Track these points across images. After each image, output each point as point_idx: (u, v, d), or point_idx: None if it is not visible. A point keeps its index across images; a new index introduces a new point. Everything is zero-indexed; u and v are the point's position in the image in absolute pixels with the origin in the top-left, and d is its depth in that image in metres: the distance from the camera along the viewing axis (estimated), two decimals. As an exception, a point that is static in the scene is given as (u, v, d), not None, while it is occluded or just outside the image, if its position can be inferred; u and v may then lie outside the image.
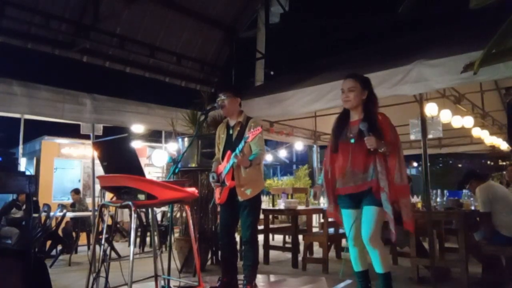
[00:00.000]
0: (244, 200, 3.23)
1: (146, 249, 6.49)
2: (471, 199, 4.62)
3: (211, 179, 3.35)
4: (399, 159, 2.65)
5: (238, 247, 3.61)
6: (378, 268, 2.64)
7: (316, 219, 8.65)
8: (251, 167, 3.16)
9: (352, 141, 2.71)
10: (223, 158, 3.33)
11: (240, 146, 3.02)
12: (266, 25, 9.12)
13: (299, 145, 8.69)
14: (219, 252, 4.51)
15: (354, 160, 2.68)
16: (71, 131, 7.28)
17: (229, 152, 3.24)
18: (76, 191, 6.88)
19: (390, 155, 2.64)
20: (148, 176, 4.03)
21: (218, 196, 3.33)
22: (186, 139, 4.51)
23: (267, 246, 5.21)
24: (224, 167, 3.27)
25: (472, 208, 4.42)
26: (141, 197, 2.75)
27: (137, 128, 5.76)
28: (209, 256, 4.94)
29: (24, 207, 5.97)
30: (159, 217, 7.42)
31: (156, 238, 3.45)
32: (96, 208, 5.10)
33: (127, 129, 5.60)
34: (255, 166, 3.21)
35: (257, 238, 3.40)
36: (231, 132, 3.40)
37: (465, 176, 4.54)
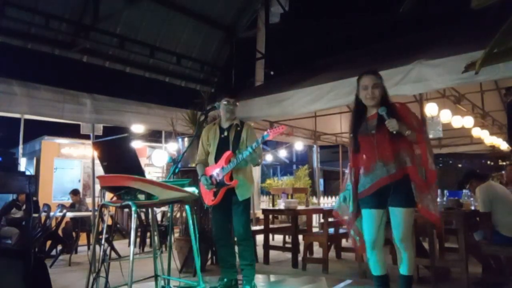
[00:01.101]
0: (241, 199, 3.27)
1: (146, 249, 6.48)
2: (471, 199, 4.61)
3: (204, 182, 3.34)
4: (428, 144, 2.58)
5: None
6: (405, 270, 2.59)
7: (316, 219, 8.65)
8: (245, 168, 3.32)
9: (373, 131, 2.58)
10: (217, 160, 3.35)
11: (255, 144, 3.12)
12: (266, 25, 9.12)
13: (299, 145, 8.69)
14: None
15: (381, 151, 2.55)
16: (71, 131, 7.26)
17: (229, 152, 3.25)
18: (74, 192, 6.80)
19: (418, 141, 2.53)
20: (148, 176, 4.02)
21: (212, 198, 3.33)
22: (186, 139, 4.52)
23: (267, 246, 5.20)
24: (221, 167, 3.28)
25: (472, 208, 4.41)
26: (141, 197, 2.74)
27: (137, 128, 5.75)
28: (209, 256, 4.93)
29: (24, 207, 5.95)
30: (159, 217, 7.41)
31: (156, 238, 3.44)
32: (96, 208, 5.09)
33: (127, 129, 5.59)
34: (246, 168, 3.35)
35: (252, 236, 3.41)
36: (225, 134, 3.43)
37: (465, 176, 4.54)
